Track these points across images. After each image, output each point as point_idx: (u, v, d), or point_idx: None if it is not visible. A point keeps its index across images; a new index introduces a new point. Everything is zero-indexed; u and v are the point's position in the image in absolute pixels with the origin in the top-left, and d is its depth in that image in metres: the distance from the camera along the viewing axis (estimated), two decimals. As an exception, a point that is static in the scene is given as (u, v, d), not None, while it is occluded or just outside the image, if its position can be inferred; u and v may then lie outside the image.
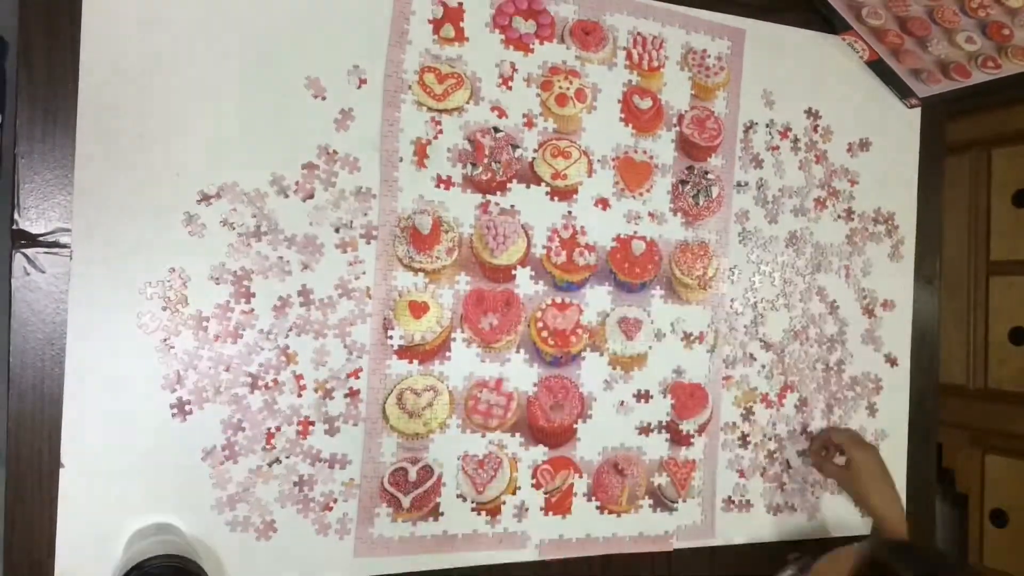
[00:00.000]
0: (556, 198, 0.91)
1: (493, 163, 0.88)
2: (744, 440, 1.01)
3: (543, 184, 0.90)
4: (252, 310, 0.78)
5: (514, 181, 0.89)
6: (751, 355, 1.01)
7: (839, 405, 1.06)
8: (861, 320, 1.07)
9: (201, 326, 0.77)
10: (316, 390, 0.81)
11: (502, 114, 0.88)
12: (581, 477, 0.92)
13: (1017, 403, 1.56)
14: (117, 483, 0.74)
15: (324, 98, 0.81)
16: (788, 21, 1.02)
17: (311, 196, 0.81)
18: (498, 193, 0.88)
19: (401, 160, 0.84)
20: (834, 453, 1.00)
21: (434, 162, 0.85)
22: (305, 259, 0.80)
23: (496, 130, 0.88)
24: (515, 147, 0.89)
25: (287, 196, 0.80)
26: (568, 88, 0.91)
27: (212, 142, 0.77)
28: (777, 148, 1.02)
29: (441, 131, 0.86)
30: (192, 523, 0.76)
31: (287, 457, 0.80)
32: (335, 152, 0.82)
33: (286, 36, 0.80)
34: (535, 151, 0.90)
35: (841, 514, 1.06)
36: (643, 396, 0.95)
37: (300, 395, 0.80)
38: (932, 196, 1.12)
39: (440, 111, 0.85)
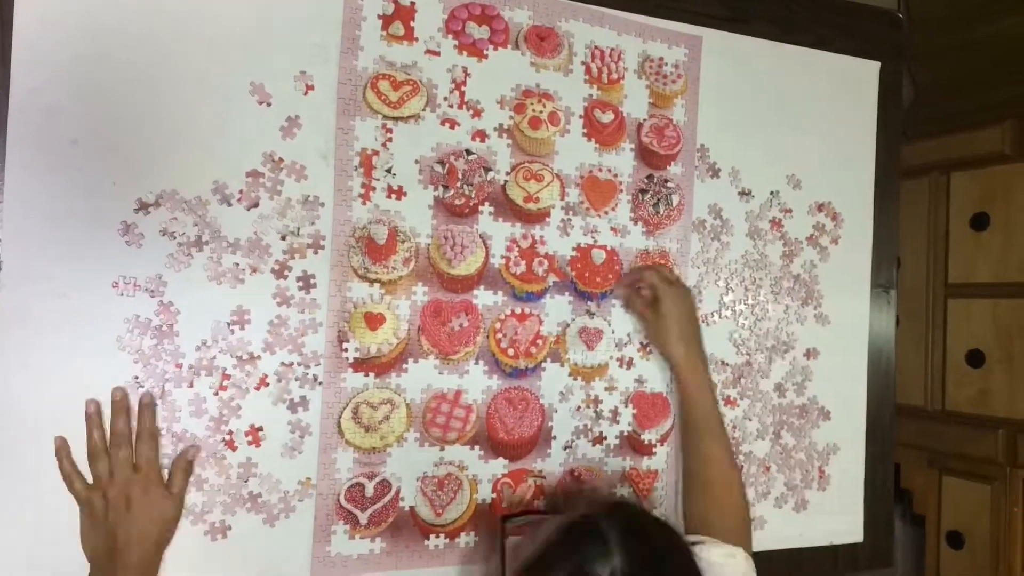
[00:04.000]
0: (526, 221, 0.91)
1: (465, 186, 0.87)
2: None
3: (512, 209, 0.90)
4: (193, 321, 0.77)
5: (486, 204, 0.88)
6: (711, 362, 1.00)
7: (795, 416, 1.06)
8: (818, 327, 1.08)
9: (140, 338, 0.74)
10: (262, 402, 0.79)
11: (453, 125, 0.87)
12: (542, 496, 0.91)
13: (974, 425, 1.58)
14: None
15: (269, 104, 0.80)
16: (746, 31, 1.03)
17: (256, 204, 0.79)
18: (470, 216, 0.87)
19: (356, 169, 0.83)
20: (645, 290, 0.92)
21: (382, 171, 0.84)
22: (251, 267, 0.78)
23: (468, 152, 0.87)
24: (487, 170, 0.88)
25: (230, 204, 0.78)
26: (541, 111, 0.90)
27: (151, 148, 0.75)
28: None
29: (392, 139, 0.84)
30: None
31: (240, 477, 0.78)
32: (281, 160, 0.80)
33: (229, 40, 0.78)
34: (507, 174, 0.89)
35: (799, 527, 1.06)
36: (604, 406, 0.94)
37: (243, 406, 0.79)
38: (888, 203, 1.13)
39: (395, 119, 0.84)
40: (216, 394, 0.77)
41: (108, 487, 0.70)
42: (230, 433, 0.78)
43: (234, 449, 0.78)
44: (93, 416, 0.72)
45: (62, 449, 0.71)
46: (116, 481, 0.70)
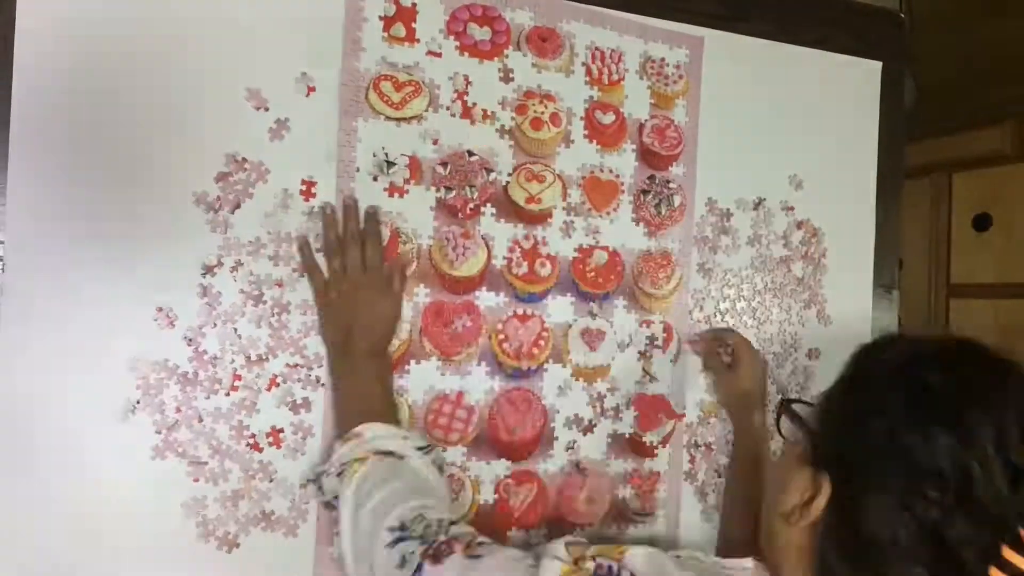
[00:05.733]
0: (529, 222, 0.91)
1: (467, 187, 0.86)
2: (708, 448, 1.00)
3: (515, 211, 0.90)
4: (197, 324, 0.77)
5: (488, 205, 0.88)
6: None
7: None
8: (820, 328, 1.07)
9: (146, 340, 0.75)
10: (266, 403, 0.79)
11: (455, 126, 0.87)
12: (545, 492, 0.90)
13: (976, 423, 1.58)
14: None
15: (267, 109, 0.79)
16: (747, 31, 1.03)
17: (259, 207, 0.79)
18: (471, 218, 0.87)
19: (358, 170, 0.83)
20: (724, 351, 0.94)
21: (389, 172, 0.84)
22: (253, 270, 0.79)
23: (470, 153, 0.87)
24: (489, 171, 0.88)
25: (239, 207, 0.78)
26: (543, 112, 0.90)
27: (153, 150, 0.75)
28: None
29: (394, 140, 0.84)
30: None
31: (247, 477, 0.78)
32: (282, 162, 0.80)
33: (231, 42, 0.78)
34: (509, 175, 0.89)
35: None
36: (606, 408, 0.94)
37: (250, 410, 0.79)
38: (890, 203, 1.13)
39: (398, 120, 0.84)
40: (228, 395, 0.77)
41: (341, 282, 0.77)
42: (252, 436, 0.78)
43: (260, 451, 0.79)
44: (329, 218, 0.79)
45: (304, 246, 0.79)
46: (348, 277, 0.77)
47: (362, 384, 0.77)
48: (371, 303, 0.77)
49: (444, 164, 0.86)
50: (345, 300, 0.77)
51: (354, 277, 0.77)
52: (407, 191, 0.84)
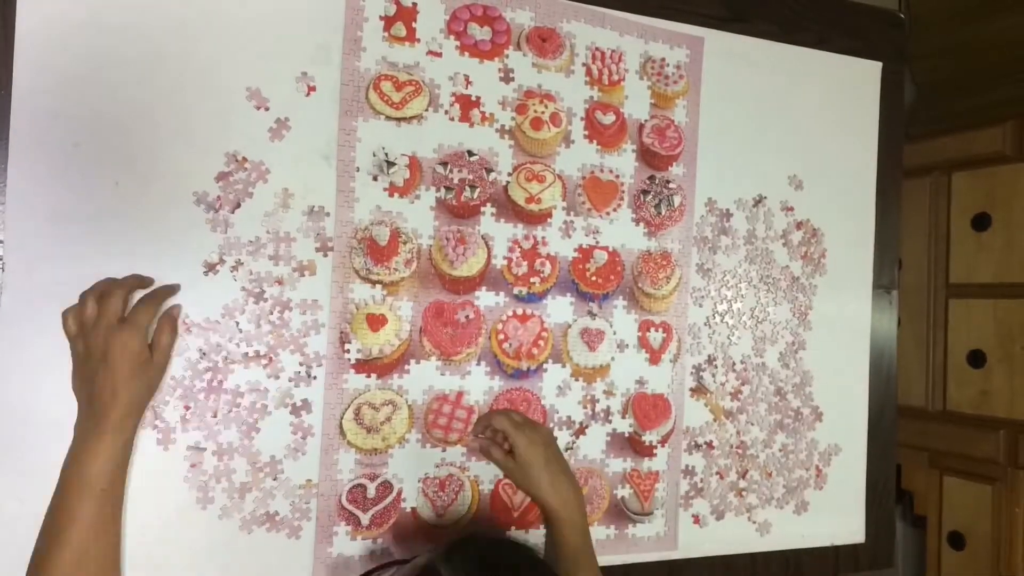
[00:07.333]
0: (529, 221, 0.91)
1: (467, 187, 0.86)
2: (709, 447, 1.00)
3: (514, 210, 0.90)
4: (198, 323, 0.77)
5: (488, 205, 0.88)
6: (713, 364, 1.00)
7: (796, 417, 1.06)
8: (819, 328, 1.08)
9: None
10: (267, 404, 0.79)
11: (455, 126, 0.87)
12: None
13: (975, 426, 1.58)
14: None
15: (267, 109, 0.80)
16: (748, 31, 1.03)
17: (259, 207, 0.79)
18: (471, 218, 0.87)
19: (358, 170, 0.83)
20: (501, 439, 0.85)
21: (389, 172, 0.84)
22: (253, 269, 0.79)
23: (470, 153, 0.87)
24: (489, 171, 0.88)
25: (239, 206, 0.78)
26: (543, 112, 0.90)
27: (154, 150, 0.75)
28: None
29: (394, 140, 0.84)
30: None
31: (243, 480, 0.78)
32: (282, 161, 0.80)
33: (231, 42, 0.78)
34: (509, 175, 0.89)
35: (800, 527, 1.06)
36: (605, 408, 0.94)
37: (252, 410, 0.79)
38: (890, 203, 1.13)
39: (398, 119, 0.84)
40: (237, 409, 0.78)
41: (91, 333, 0.67)
42: (251, 436, 0.79)
43: (259, 450, 0.79)
44: (120, 276, 0.72)
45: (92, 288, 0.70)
46: (100, 328, 0.67)
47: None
48: (121, 362, 0.67)
49: (444, 164, 0.86)
50: (91, 354, 0.68)
51: (105, 328, 0.67)
52: (407, 191, 0.85)
